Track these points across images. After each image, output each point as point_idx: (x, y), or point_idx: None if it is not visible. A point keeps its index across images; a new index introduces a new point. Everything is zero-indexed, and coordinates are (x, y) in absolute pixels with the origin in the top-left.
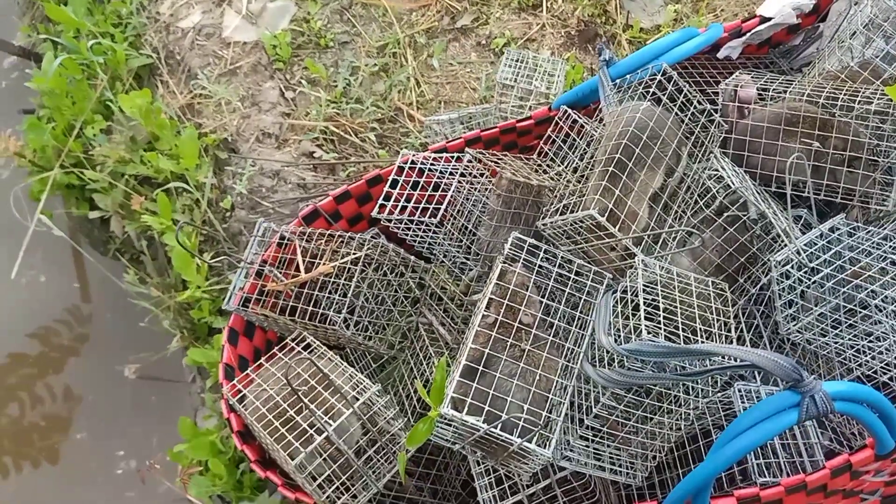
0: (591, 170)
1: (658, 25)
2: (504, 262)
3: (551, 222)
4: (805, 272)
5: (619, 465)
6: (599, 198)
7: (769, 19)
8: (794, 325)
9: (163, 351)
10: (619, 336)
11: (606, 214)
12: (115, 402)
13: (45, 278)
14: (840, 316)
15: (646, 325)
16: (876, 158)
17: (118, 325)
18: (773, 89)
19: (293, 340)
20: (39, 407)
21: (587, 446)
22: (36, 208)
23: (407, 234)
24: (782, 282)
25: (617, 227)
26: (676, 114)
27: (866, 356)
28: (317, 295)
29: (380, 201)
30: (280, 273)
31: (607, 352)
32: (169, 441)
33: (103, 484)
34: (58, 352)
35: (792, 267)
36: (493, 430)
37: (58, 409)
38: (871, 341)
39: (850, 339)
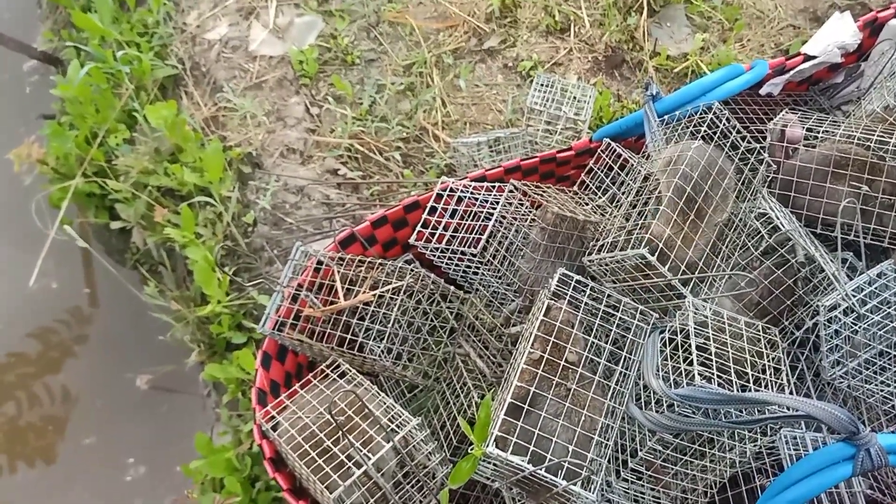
0: (644, 206)
1: (685, 53)
2: (550, 298)
3: (599, 258)
4: (853, 317)
5: None
6: (651, 236)
7: (813, 57)
8: (838, 371)
9: (180, 364)
10: (669, 379)
11: (657, 254)
12: (126, 411)
13: (58, 285)
14: (886, 362)
15: (699, 371)
16: None
17: (135, 336)
18: (824, 130)
19: (328, 367)
20: (48, 412)
21: (628, 489)
22: (56, 216)
23: (443, 262)
24: (829, 326)
25: (667, 266)
26: (728, 154)
27: None
28: (352, 322)
29: (418, 228)
30: (316, 298)
31: (653, 393)
32: (179, 452)
33: (111, 490)
34: (71, 359)
35: (840, 312)
36: (538, 470)
37: (67, 414)
38: None
39: (895, 387)
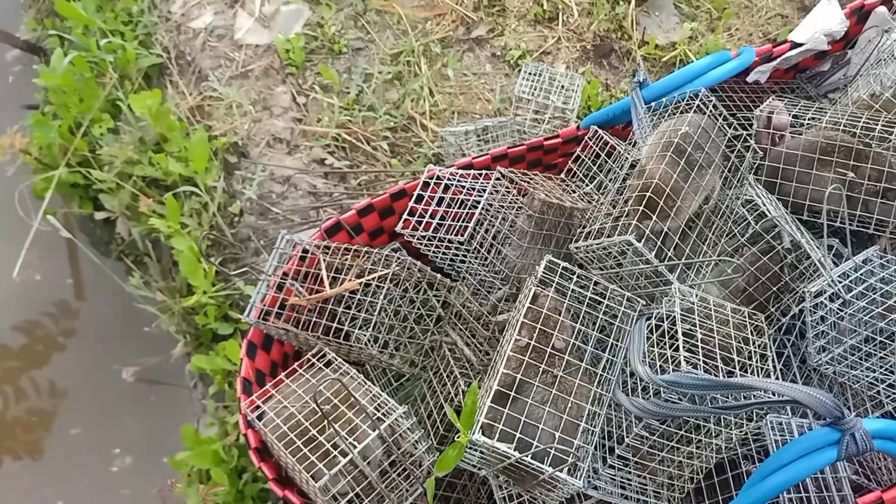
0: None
1: (674, 42)
2: (536, 286)
3: (586, 245)
4: (838, 304)
5: (646, 496)
6: (637, 223)
7: (800, 45)
8: (824, 357)
9: (165, 355)
10: (655, 365)
11: (644, 241)
12: (113, 402)
13: (42, 277)
14: (871, 348)
15: (685, 357)
16: None
17: (120, 327)
18: (810, 117)
19: (314, 356)
20: (34, 403)
21: (615, 475)
22: (39, 206)
23: (430, 251)
24: (815, 313)
25: (653, 253)
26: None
27: None
28: (338, 310)
29: (404, 216)
30: (301, 287)
31: (640, 380)
32: (166, 441)
33: (98, 480)
34: (57, 351)
35: (825, 298)
36: (524, 457)
37: (54, 406)
38: None
39: (881, 374)
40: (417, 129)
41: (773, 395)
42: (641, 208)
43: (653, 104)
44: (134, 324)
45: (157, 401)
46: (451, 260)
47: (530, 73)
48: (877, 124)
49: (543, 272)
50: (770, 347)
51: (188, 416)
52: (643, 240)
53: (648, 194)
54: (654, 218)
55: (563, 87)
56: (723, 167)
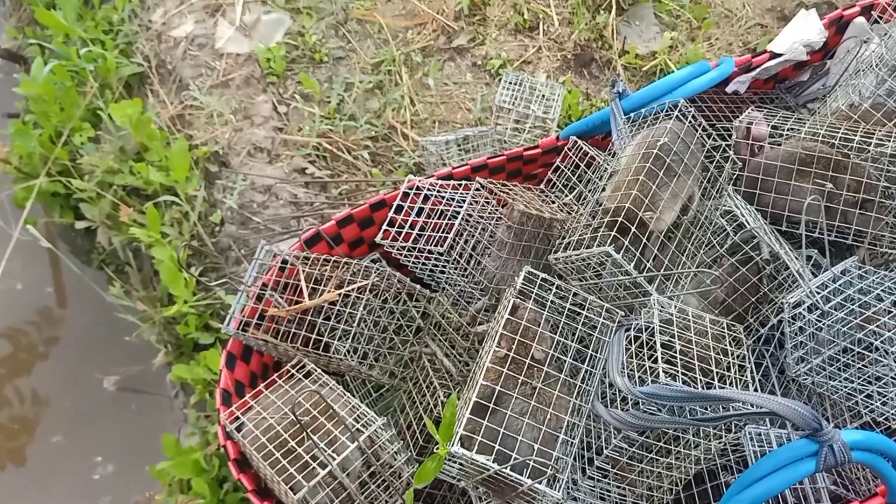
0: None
1: (654, 52)
2: (516, 297)
3: (564, 256)
4: (817, 314)
5: None
6: (615, 234)
7: (779, 55)
8: (803, 368)
9: (147, 364)
10: (634, 376)
11: (622, 251)
12: (95, 411)
13: (23, 286)
14: (849, 359)
15: (663, 368)
16: (887, 201)
17: (101, 336)
18: (789, 127)
19: (293, 367)
20: (16, 410)
21: (594, 487)
22: (20, 215)
23: (409, 261)
24: (793, 323)
25: (632, 264)
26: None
27: (875, 402)
28: (317, 321)
29: (384, 227)
30: (281, 298)
31: (618, 391)
32: (148, 450)
33: (79, 487)
34: (38, 360)
35: (804, 309)
36: (503, 469)
37: (36, 414)
38: (880, 387)
39: (859, 384)
40: (398, 139)
41: (752, 406)
42: (620, 219)
43: (632, 115)
44: (115, 333)
45: (139, 409)
46: (431, 270)
47: (510, 83)
48: (855, 135)
49: (522, 283)
50: (748, 358)
51: (169, 425)
52: (622, 251)
53: (628, 205)
54: (633, 229)
55: (543, 96)
56: (701, 177)
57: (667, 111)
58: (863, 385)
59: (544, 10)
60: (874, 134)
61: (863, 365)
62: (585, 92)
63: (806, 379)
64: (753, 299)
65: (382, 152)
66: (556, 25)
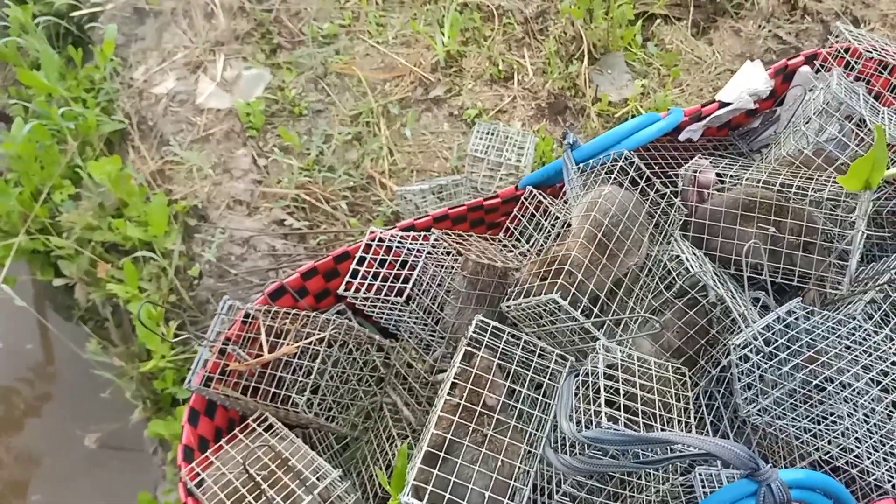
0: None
1: (626, 99)
2: (468, 345)
3: (515, 304)
4: (763, 355)
5: None
6: (563, 282)
7: (728, 104)
8: (753, 408)
9: (124, 421)
10: (581, 421)
11: (569, 298)
12: (73, 468)
13: (3, 344)
14: (797, 399)
15: (606, 412)
16: (830, 243)
17: (79, 393)
18: (732, 174)
19: (254, 421)
20: None
21: None
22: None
23: (373, 312)
24: (741, 364)
25: (579, 310)
26: (638, 197)
27: (823, 440)
28: (280, 375)
29: (346, 278)
30: (244, 352)
31: (567, 437)
32: None
33: None
34: (16, 417)
35: (750, 350)
36: None
37: (14, 471)
38: (827, 425)
39: (807, 423)
40: (377, 188)
41: (691, 448)
42: (567, 267)
43: (581, 165)
44: (94, 389)
45: (118, 466)
46: (396, 321)
47: (483, 132)
48: (795, 179)
49: (474, 331)
50: (700, 399)
51: (148, 482)
52: (568, 298)
53: (574, 254)
54: (580, 276)
55: (516, 144)
56: (647, 226)
57: (612, 161)
58: (810, 424)
59: (519, 60)
60: (815, 179)
61: (809, 404)
62: (559, 139)
63: (756, 419)
64: (703, 342)
65: (361, 202)
66: (531, 75)
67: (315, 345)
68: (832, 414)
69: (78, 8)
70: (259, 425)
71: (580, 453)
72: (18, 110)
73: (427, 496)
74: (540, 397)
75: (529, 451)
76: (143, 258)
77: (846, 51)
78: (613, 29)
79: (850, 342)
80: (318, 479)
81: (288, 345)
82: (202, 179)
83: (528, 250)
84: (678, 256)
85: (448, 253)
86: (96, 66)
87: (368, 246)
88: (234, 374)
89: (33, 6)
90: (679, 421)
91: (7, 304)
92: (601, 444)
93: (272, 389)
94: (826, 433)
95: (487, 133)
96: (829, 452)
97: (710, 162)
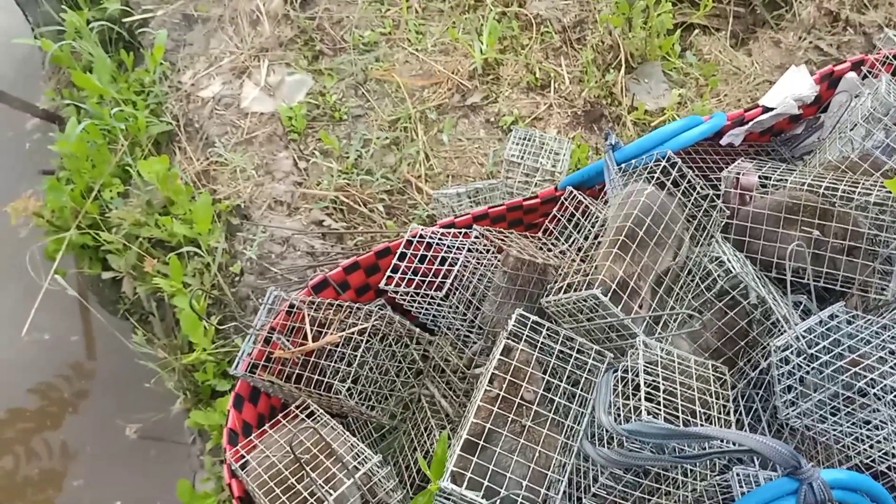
0: (596, 250)
1: (662, 108)
2: (508, 339)
3: (555, 300)
4: (804, 358)
5: None
6: (604, 278)
7: (771, 109)
8: (792, 411)
9: (165, 411)
10: (620, 416)
11: (610, 294)
12: (116, 456)
13: (50, 336)
14: (839, 403)
15: (646, 406)
16: (875, 248)
17: (122, 384)
18: (775, 178)
19: (297, 407)
20: (42, 456)
21: None
22: (50, 267)
23: (412, 306)
24: (782, 367)
25: (620, 307)
26: (680, 199)
27: (864, 444)
28: (322, 363)
29: (388, 273)
30: (288, 341)
31: (607, 431)
32: (165, 496)
33: None
34: (60, 407)
35: (791, 353)
36: None
37: (57, 459)
38: (869, 430)
39: (848, 427)
40: (413, 192)
41: (731, 444)
42: (608, 263)
43: (623, 165)
44: (137, 380)
45: (158, 456)
46: (434, 315)
47: (520, 138)
48: (841, 183)
49: (514, 325)
50: (738, 399)
51: (186, 471)
52: (609, 294)
53: (615, 251)
54: (621, 273)
55: (552, 150)
56: (688, 226)
57: (655, 161)
58: (852, 428)
59: (556, 69)
60: (860, 183)
61: (851, 409)
62: (595, 146)
63: (796, 422)
64: (743, 343)
65: (397, 205)
66: (567, 83)
67: (358, 335)
68: (873, 419)
69: (130, 14)
70: (301, 412)
71: (618, 447)
72: (71, 111)
73: (466, 482)
74: (579, 391)
75: (566, 444)
76: (187, 254)
77: (895, 57)
78: (651, 38)
79: (894, 347)
80: (358, 464)
81: (332, 334)
82: (245, 180)
83: (568, 249)
84: (719, 258)
85: (487, 250)
86: (146, 69)
87: (409, 242)
88: (278, 362)
89: (88, 12)
90: (718, 419)
91: (52, 298)
92: (641, 437)
93: (315, 377)
94: (868, 437)
95: (524, 139)
96: (870, 457)
97: (753, 165)
